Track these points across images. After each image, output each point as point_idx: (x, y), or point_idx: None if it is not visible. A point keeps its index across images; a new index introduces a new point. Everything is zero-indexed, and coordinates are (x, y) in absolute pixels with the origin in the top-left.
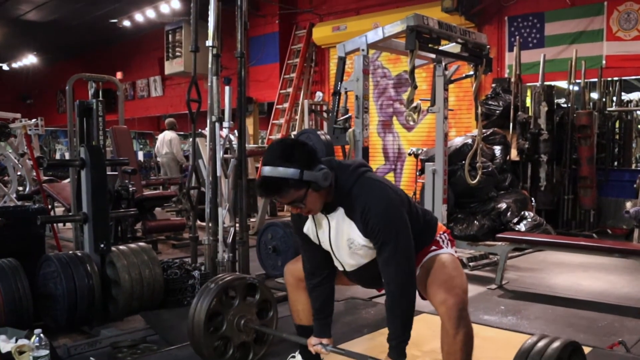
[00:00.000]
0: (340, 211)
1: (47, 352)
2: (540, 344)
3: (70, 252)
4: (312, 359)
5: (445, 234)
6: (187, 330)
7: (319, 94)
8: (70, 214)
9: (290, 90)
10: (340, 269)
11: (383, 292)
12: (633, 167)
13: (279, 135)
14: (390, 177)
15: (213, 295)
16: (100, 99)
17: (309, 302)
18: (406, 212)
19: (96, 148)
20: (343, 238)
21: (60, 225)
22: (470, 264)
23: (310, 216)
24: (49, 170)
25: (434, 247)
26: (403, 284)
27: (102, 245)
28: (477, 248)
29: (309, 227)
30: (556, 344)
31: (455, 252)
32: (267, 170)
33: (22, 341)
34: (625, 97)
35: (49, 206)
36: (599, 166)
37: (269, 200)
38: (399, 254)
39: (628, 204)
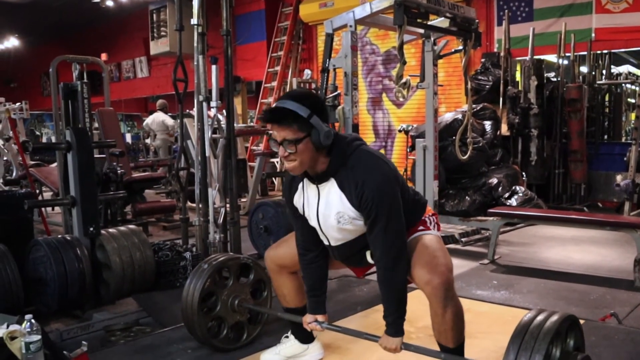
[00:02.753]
0: (332, 182)
1: (39, 337)
2: (539, 318)
3: (60, 236)
4: (305, 340)
5: (433, 217)
6: (181, 311)
7: (307, 72)
8: (58, 197)
9: (278, 68)
10: (325, 243)
11: (373, 269)
12: (623, 140)
13: None
14: None
15: (207, 276)
16: (85, 81)
17: (294, 285)
18: (399, 188)
19: (82, 130)
20: (332, 211)
21: (49, 209)
22: (463, 239)
23: (300, 187)
24: (35, 154)
25: (420, 228)
26: (395, 259)
27: (91, 229)
28: (469, 224)
29: (297, 200)
30: (554, 318)
31: (441, 235)
32: (279, 102)
33: (14, 327)
34: (615, 70)
35: (37, 191)
36: (589, 140)
37: (260, 179)
38: (391, 229)
39: (618, 177)
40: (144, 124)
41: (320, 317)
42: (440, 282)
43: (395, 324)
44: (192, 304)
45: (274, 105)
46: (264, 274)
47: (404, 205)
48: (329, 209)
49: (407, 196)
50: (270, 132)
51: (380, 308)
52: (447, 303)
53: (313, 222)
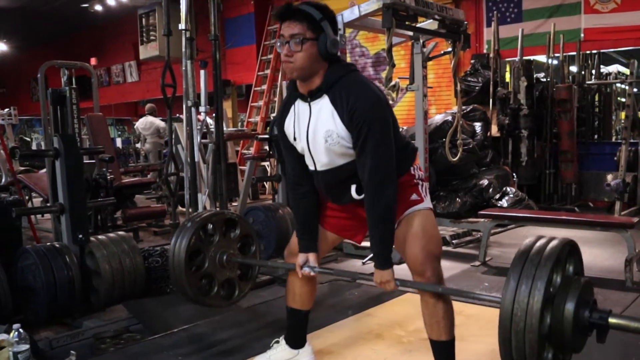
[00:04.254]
0: (325, 99)
1: (27, 346)
2: (539, 243)
3: (48, 243)
4: (296, 345)
5: (420, 171)
6: (170, 272)
7: None
8: (47, 204)
9: (268, 72)
10: (312, 167)
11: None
12: (613, 139)
13: (258, 118)
14: None
15: (191, 233)
16: (74, 86)
17: (308, 288)
18: (390, 116)
19: (70, 137)
20: (321, 129)
21: (39, 216)
22: (454, 241)
23: (292, 108)
24: (24, 160)
25: (415, 197)
26: (382, 183)
27: (80, 236)
28: (460, 225)
29: (288, 125)
30: (554, 243)
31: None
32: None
33: (2, 336)
34: (604, 69)
35: (26, 197)
36: (580, 140)
37: (250, 183)
38: (380, 152)
39: (609, 177)
40: (134, 127)
41: (312, 258)
42: (432, 273)
43: (381, 255)
44: (179, 263)
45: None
46: (250, 228)
47: (396, 142)
48: (318, 126)
49: (398, 133)
50: (279, 39)
51: (371, 312)
52: (439, 293)
53: (302, 143)
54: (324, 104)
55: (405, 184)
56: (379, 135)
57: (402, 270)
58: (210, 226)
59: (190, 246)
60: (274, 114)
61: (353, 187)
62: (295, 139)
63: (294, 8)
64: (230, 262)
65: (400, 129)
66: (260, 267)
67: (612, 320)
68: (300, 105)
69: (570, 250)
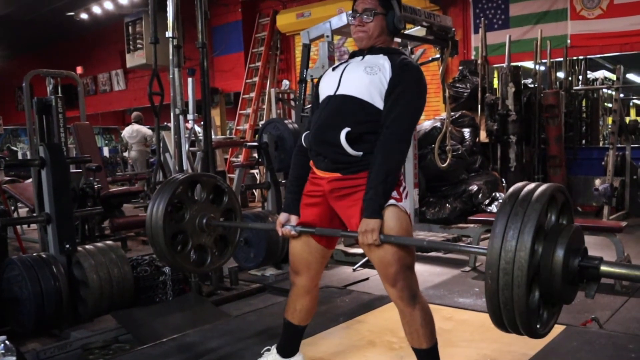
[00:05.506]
0: (383, 57)
1: (13, 358)
2: (529, 186)
3: (35, 254)
4: (288, 354)
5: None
6: (147, 218)
7: (285, 82)
8: (33, 214)
9: (256, 79)
10: (330, 92)
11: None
12: (601, 144)
13: (246, 126)
14: None
15: (179, 182)
16: (60, 95)
17: (311, 304)
18: (424, 105)
19: (56, 146)
20: (363, 66)
21: (26, 226)
22: None
23: (340, 66)
24: (10, 170)
25: (395, 194)
26: (398, 133)
27: (67, 246)
28: (450, 231)
29: (326, 79)
30: (544, 187)
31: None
32: None
33: None
34: (591, 75)
35: (12, 207)
36: (568, 145)
37: (239, 191)
38: (411, 107)
39: (597, 182)
40: (122, 135)
41: (293, 219)
42: (403, 284)
43: (372, 203)
44: (158, 210)
45: None
46: (237, 203)
47: None
48: (363, 65)
49: None
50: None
51: (362, 318)
52: (413, 302)
53: (337, 74)
54: (379, 58)
55: None
56: (416, 96)
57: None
58: (199, 186)
59: (176, 194)
60: (262, 122)
61: (344, 131)
62: (327, 86)
63: None
64: (209, 226)
65: None
66: (240, 230)
67: (603, 268)
68: (354, 60)
69: (560, 195)
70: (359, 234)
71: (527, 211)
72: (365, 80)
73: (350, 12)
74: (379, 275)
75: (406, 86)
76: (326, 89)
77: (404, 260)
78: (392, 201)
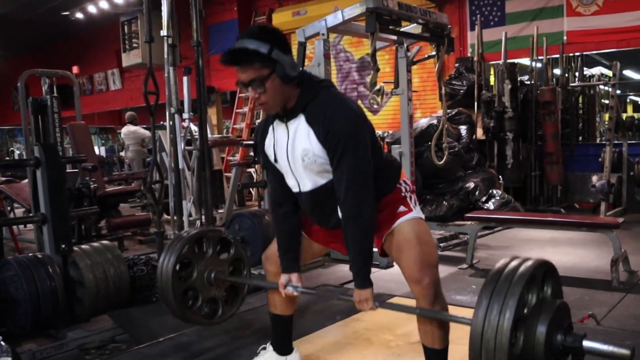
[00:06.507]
0: (301, 118)
1: (9, 359)
2: (513, 263)
3: (31, 254)
4: (283, 352)
5: (408, 184)
6: (157, 279)
7: None
8: (29, 215)
9: None
10: (296, 189)
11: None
12: (597, 141)
13: (243, 125)
14: None
15: (185, 243)
16: (55, 95)
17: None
18: (368, 132)
19: (51, 146)
20: (298, 148)
21: (22, 226)
22: (441, 244)
23: (270, 129)
24: (5, 170)
25: (402, 209)
26: (359, 201)
27: (63, 246)
28: (447, 228)
29: (268, 145)
30: (529, 263)
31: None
32: (237, 42)
33: None
34: (587, 72)
35: (8, 208)
36: (564, 141)
37: (236, 190)
38: (358, 169)
39: (594, 178)
40: (120, 136)
41: (294, 277)
42: (429, 281)
43: (360, 274)
44: (167, 269)
45: (232, 46)
46: (244, 252)
47: (378, 161)
48: (296, 146)
49: (378, 151)
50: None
51: (359, 317)
52: (435, 300)
53: (284, 164)
54: (300, 123)
55: (393, 200)
56: (356, 151)
57: (396, 275)
58: (205, 241)
59: (183, 254)
60: (259, 120)
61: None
62: (276, 160)
63: (239, 52)
64: (218, 280)
65: (386, 133)
66: (248, 286)
67: (586, 344)
68: (278, 126)
69: (546, 271)
70: (356, 304)
71: (510, 287)
72: (314, 168)
73: (339, 10)
74: (403, 274)
75: (338, 144)
76: (282, 168)
77: (428, 257)
78: (403, 219)
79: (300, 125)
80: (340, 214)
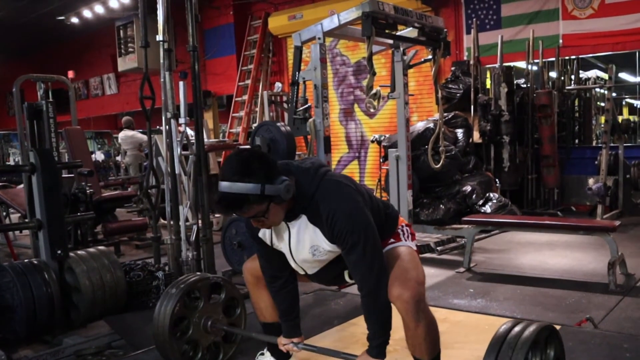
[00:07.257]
0: (303, 218)
1: None
2: (516, 328)
3: (26, 260)
4: (281, 357)
5: (407, 227)
6: (153, 337)
7: (278, 85)
8: (24, 220)
9: (248, 82)
10: (302, 272)
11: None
12: (594, 144)
13: (239, 129)
14: (354, 164)
15: (176, 300)
16: (51, 99)
17: (271, 299)
18: (369, 210)
19: (46, 151)
20: (305, 245)
21: (17, 232)
22: (438, 248)
23: None
24: (1, 176)
25: (392, 240)
26: (377, 283)
27: (58, 252)
28: (444, 232)
29: (264, 233)
30: (532, 328)
31: (417, 245)
32: (226, 185)
33: None
34: (583, 75)
35: (3, 213)
36: (561, 144)
37: None
38: (369, 255)
39: (590, 181)
40: (118, 140)
41: (295, 339)
42: (410, 295)
43: (380, 347)
44: (163, 330)
45: (221, 189)
46: (235, 291)
47: (375, 222)
48: (302, 244)
49: (378, 213)
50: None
51: (356, 321)
52: (418, 316)
53: (286, 255)
54: (302, 223)
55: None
56: (365, 240)
57: None
58: (196, 292)
59: (175, 313)
60: (255, 124)
61: (346, 273)
62: (272, 244)
63: (233, 201)
64: (215, 328)
65: (383, 137)
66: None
67: None
68: (283, 231)
69: (549, 334)
70: None
71: (514, 353)
72: (324, 258)
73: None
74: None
75: (347, 240)
76: (283, 252)
77: (408, 274)
78: (392, 246)
79: (303, 225)
80: (347, 277)
